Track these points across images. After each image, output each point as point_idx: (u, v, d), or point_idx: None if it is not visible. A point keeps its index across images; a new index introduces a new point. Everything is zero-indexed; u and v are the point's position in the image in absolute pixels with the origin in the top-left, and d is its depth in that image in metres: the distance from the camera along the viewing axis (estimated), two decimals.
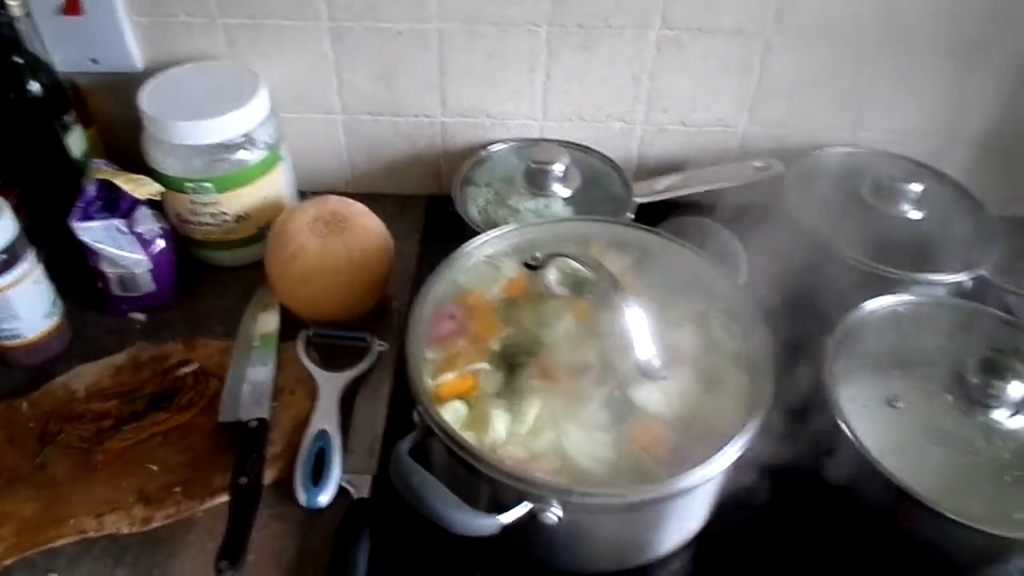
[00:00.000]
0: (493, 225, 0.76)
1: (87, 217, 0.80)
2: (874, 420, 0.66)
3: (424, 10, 0.87)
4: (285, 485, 0.71)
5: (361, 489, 0.71)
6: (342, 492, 0.71)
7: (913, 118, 0.95)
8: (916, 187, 0.86)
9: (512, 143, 0.96)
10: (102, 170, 0.82)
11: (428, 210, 1.02)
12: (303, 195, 0.97)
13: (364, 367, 0.80)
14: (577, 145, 0.95)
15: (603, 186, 0.91)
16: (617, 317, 0.61)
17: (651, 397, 0.62)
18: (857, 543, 0.68)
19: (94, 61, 0.91)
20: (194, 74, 0.89)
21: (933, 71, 0.91)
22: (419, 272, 0.91)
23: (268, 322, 0.85)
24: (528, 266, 0.70)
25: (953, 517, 0.59)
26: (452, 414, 0.61)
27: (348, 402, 0.78)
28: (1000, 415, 0.65)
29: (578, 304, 0.68)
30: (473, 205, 0.88)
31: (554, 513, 0.56)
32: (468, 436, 0.59)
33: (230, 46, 0.91)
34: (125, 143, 0.90)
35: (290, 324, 0.84)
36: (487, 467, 0.56)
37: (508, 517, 0.55)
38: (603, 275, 0.62)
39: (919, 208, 0.87)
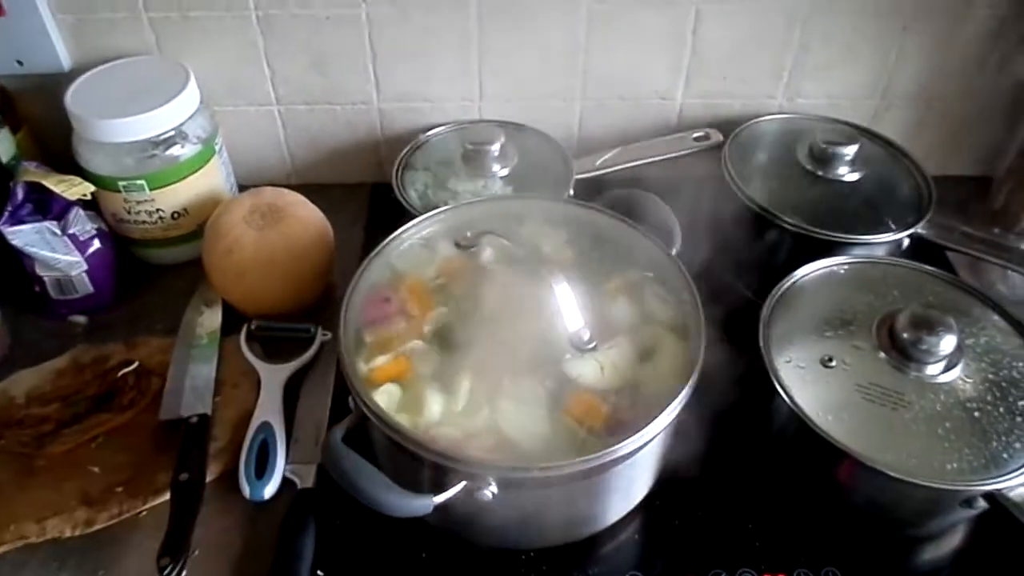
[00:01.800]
0: (433, 209, 0.75)
1: (17, 221, 0.79)
2: (809, 381, 0.66)
3: None
4: (230, 479, 0.71)
5: (306, 479, 0.70)
6: (288, 483, 0.70)
7: (848, 82, 0.95)
8: (851, 149, 0.86)
9: (450, 126, 0.96)
10: (31, 172, 0.81)
11: (372, 198, 1.02)
12: (245, 191, 0.96)
13: (307, 358, 0.80)
14: (516, 124, 0.95)
15: (542, 164, 0.90)
16: (546, 292, 0.61)
17: (585, 370, 0.62)
18: (799, 503, 0.69)
19: (19, 63, 0.89)
20: (122, 71, 0.88)
21: (865, 33, 0.91)
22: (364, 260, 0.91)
23: (210, 318, 0.84)
24: (460, 246, 0.70)
25: (889, 472, 0.60)
26: (386, 397, 0.61)
27: (295, 393, 0.78)
28: (933, 369, 0.66)
29: (511, 281, 0.68)
30: (412, 190, 0.88)
31: (489, 490, 0.56)
32: (403, 418, 0.59)
33: (157, 41, 0.90)
34: (58, 145, 0.88)
35: (234, 317, 0.84)
36: (418, 448, 0.56)
37: (441, 496, 0.55)
38: (530, 251, 0.62)
39: (856, 170, 0.87)
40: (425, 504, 0.55)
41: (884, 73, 0.94)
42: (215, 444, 0.73)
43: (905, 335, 0.66)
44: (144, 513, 0.69)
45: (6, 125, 0.86)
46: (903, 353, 0.66)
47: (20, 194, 0.80)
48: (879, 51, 0.93)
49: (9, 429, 0.74)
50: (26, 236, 0.79)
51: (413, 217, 0.75)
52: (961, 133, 0.99)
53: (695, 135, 0.93)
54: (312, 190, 0.87)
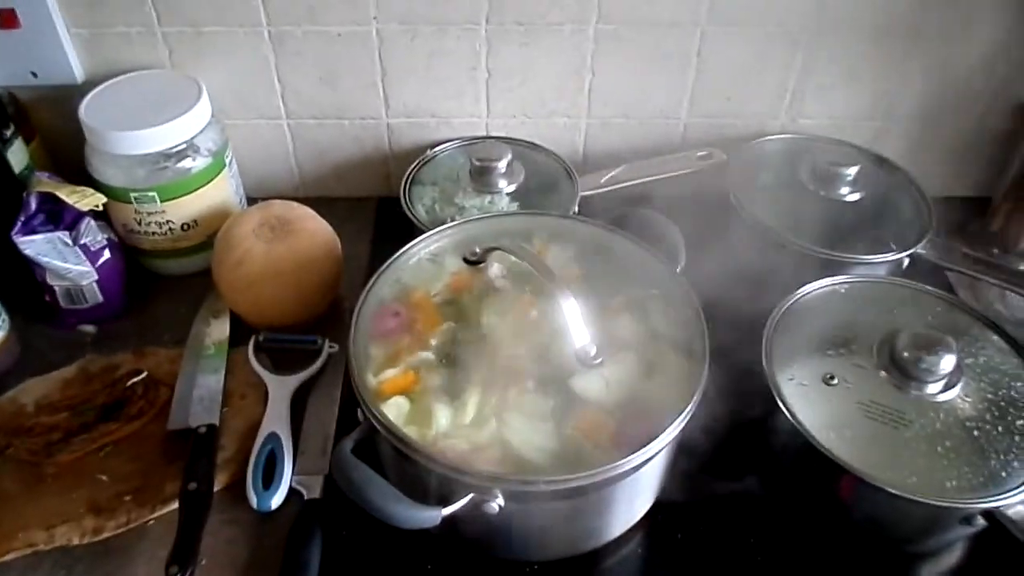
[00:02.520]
0: (440, 224, 0.76)
1: (30, 231, 0.80)
2: (811, 398, 0.67)
3: (362, 12, 0.88)
4: (238, 489, 0.71)
5: (313, 490, 0.71)
6: (294, 494, 0.71)
7: (850, 103, 0.97)
8: (853, 170, 0.88)
9: (458, 142, 0.97)
10: (43, 182, 0.82)
11: (379, 211, 1.03)
12: (253, 202, 0.97)
13: (314, 369, 0.80)
14: (522, 141, 0.97)
15: (548, 181, 0.92)
16: (553, 307, 0.62)
17: (591, 385, 0.63)
18: (800, 519, 0.70)
19: (34, 74, 0.90)
20: (135, 84, 0.89)
21: (867, 56, 0.93)
22: (371, 274, 0.91)
23: (218, 329, 0.85)
24: (468, 261, 0.71)
25: (889, 489, 0.61)
26: (394, 410, 0.61)
27: (302, 404, 0.78)
28: (932, 388, 0.67)
29: (518, 296, 0.69)
30: (420, 205, 0.89)
31: (496, 503, 0.57)
32: (411, 431, 0.60)
33: (171, 55, 0.91)
34: (71, 156, 0.89)
35: (242, 329, 0.85)
36: (426, 460, 0.57)
37: (449, 508, 0.56)
38: (538, 266, 0.63)
39: (857, 190, 0.89)
40: (433, 516, 0.56)
41: (885, 95, 0.96)
42: (223, 454, 0.74)
43: (905, 354, 0.67)
44: (152, 522, 0.69)
45: (20, 136, 0.87)
46: (904, 372, 0.67)
47: (33, 204, 0.81)
48: (881, 73, 0.94)
49: (18, 437, 0.75)
50: (38, 246, 0.80)
51: (420, 232, 0.76)
52: (961, 154, 1.01)
53: (699, 154, 0.94)
54: (320, 203, 0.88)
